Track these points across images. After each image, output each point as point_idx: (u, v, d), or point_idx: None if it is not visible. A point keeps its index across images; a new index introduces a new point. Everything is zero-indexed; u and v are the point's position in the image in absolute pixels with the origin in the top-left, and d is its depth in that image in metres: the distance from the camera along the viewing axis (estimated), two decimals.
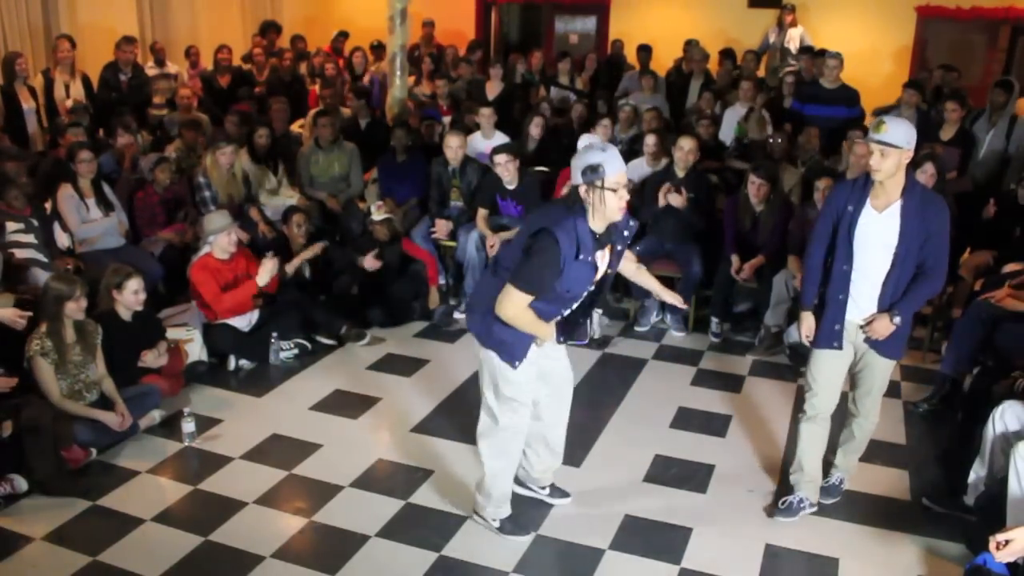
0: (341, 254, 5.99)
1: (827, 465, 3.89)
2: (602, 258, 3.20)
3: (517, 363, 3.31)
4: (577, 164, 3.05)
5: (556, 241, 3.01)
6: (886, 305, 3.45)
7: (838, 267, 3.49)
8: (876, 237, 3.39)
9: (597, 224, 3.11)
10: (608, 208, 3.05)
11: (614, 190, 3.03)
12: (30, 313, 4.26)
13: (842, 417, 3.83)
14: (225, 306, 5.08)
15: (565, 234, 3.03)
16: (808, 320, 3.63)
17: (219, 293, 5.07)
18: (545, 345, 3.36)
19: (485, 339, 3.33)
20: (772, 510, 3.80)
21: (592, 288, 3.28)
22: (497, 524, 3.62)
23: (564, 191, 3.29)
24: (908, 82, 7.34)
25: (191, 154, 6.64)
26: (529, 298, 3.10)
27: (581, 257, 3.07)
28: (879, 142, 3.22)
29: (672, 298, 3.71)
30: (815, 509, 3.78)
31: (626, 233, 3.27)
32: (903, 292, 3.42)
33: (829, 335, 3.54)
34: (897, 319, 3.42)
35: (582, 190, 3.05)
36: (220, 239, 5.09)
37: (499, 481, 3.56)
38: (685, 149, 5.86)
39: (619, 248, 3.29)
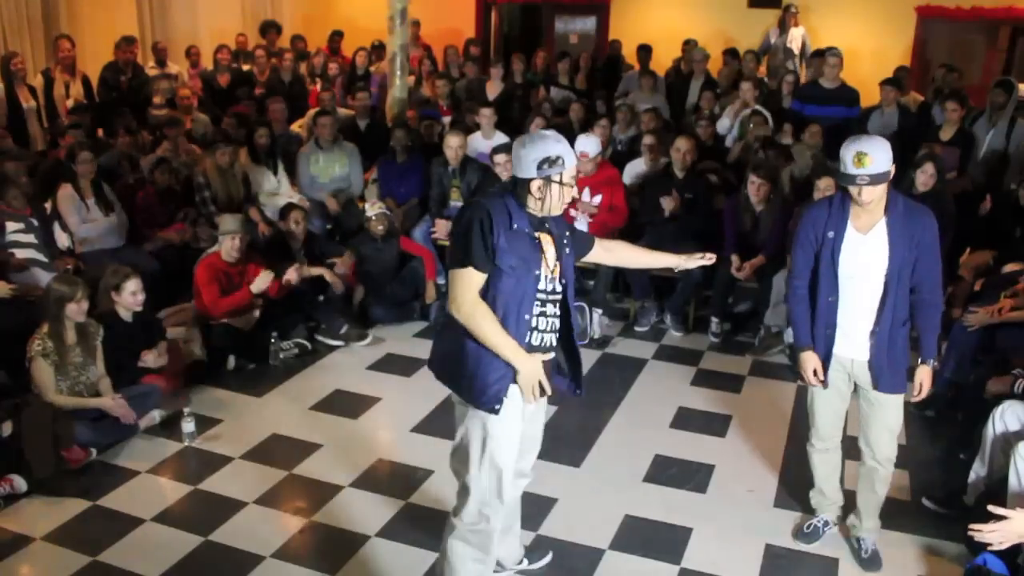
0: (338, 251, 5.99)
1: (851, 527, 3.61)
2: (547, 244, 2.78)
3: (498, 406, 2.74)
4: (529, 154, 2.69)
5: (482, 206, 2.68)
6: (885, 336, 3.15)
7: (823, 299, 3.21)
8: (864, 261, 3.12)
9: (533, 210, 2.77)
10: (557, 203, 2.75)
11: (570, 186, 2.76)
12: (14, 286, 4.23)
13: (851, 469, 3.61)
14: (221, 310, 5.08)
15: (494, 205, 2.69)
16: (811, 360, 3.29)
17: (218, 297, 5.06)
18: (529, 405, 2.84)
19: (453, 378, 2.81)
20: (797, 533, 3.66)
21: (552, 289, 2.81)
22: None
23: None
24: (885, 79, 7.33)
25: (181, 152, 6.63)
26: (476, 277, 2.67)
27: (516, 227, 2.69)
28: (873, 178, 2.94)
29: (688, 260, 3.17)
30: (837, 529, 3.67)
31: (564, 239, 2.88)
32: (909, 325, 3.18)
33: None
34: (933, 362, 3.23)
35: (535, 185, 2.70)
36: (226, 242, 5.10)
37: None
38: (682, 150, 5.87)
39: (566, 245, 2.87)
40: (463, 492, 2.89)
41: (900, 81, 7.69)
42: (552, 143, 2.72)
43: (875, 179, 2.94)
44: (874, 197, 3.00)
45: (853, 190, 2.98)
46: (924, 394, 3.26)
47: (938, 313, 3.19)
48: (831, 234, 3.13)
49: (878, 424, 3.31)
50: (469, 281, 2.68)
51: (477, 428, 2.79)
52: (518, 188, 2.75)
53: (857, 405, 3.38)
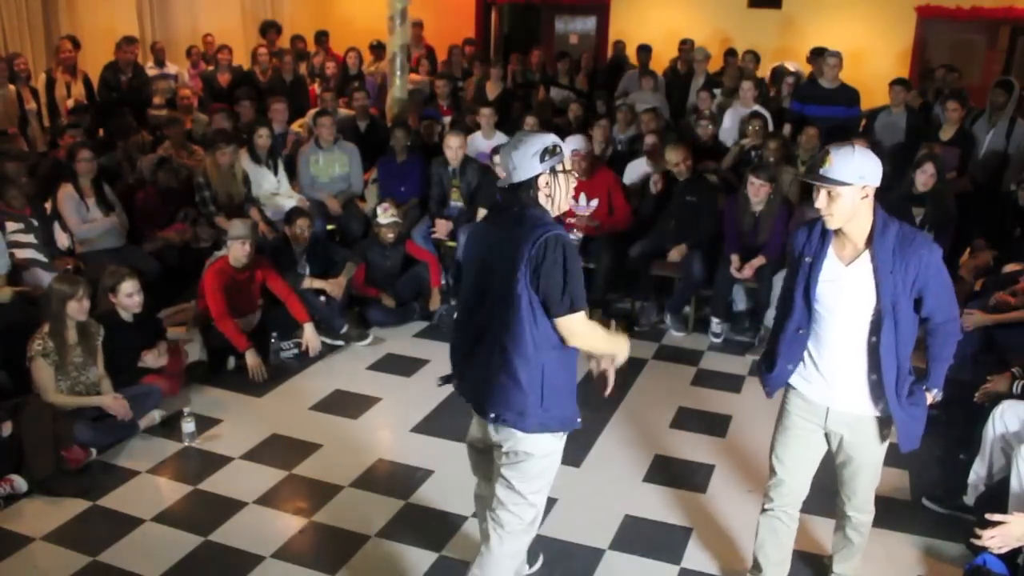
0: (341, 255, 5.99)
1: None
2: None
3: (579, 420, 2.79)
4: (527, 152, 2.60)
5: (565, 238, 2.58)
6: (892, 388, 2.73)
7: (791, 328, 2.84)
8: (847, 296, 2.70)
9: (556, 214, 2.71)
10: (565, 196, 2.67)
11: (573, 173, 2.72)
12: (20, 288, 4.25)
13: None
14: (220, 326, 5.04)
15: (564, 232, 2.62)
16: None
17: (224, 309, 5.02)
18: None
19: (538, 418, 2.66)
20: None
21: None
22: None
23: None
24: (895, 79, 7.33)
25: (181, 151, 6.63)
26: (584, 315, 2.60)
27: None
28: (823, 179, 2.57)
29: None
30: None
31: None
32: (927, 357, 2.80)
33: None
34: (936, 392, 2.85)
35: (543, 181, 2.62)
36: (235, 247, 5.08)
37: None
38: (673, 162, 5.85)
39: None
40: (518, 518, 2.79)
41: (910, 82, 7.67)
42: (543, 136, 2.66)
43: (830, 183, 2.56)
44: (835, 212, 2.60)
45: (814, 195, 2.66)
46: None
47: (952, 341, 2.78)
48: (808, 259, 2.77)
49: (852, 469, 2.97)
50: (584, 318, 2.61)
51: (548, 447, 2.73)
52: (523, 192, 2.64)
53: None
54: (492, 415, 2.70)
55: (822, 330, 2.79)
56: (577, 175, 2.78)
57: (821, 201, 2.62)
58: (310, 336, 5.23)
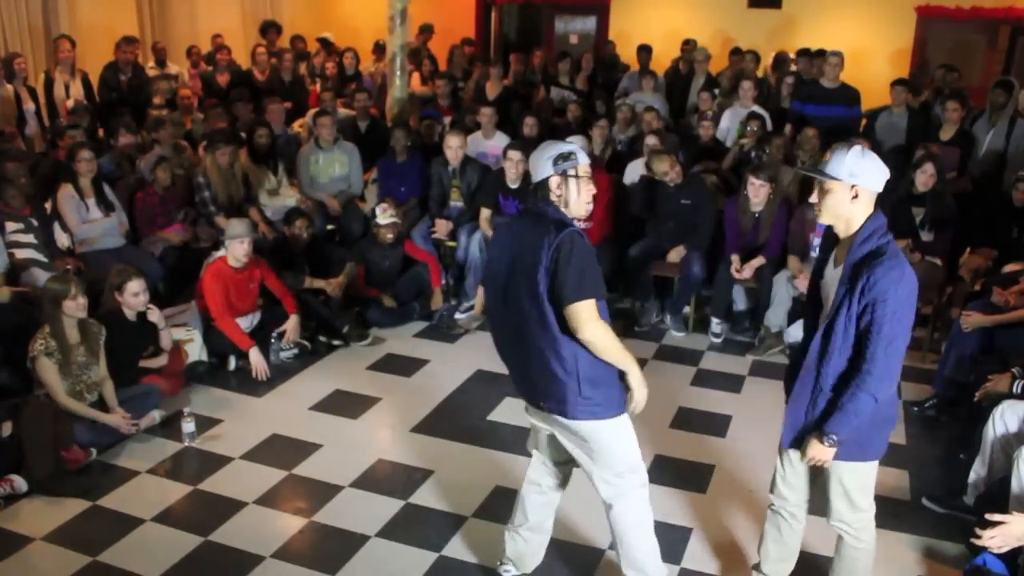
0: (341, 255, 5.99)
1: None
2: None
3: (621, 412, 2.88)
4: (544, 155, 2.80)
5: (579, 235, 2.73)
6: (810, 399, 2.74)
7: (809, 322, 2.89)
8: (831, 298, 2.70)
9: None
10: (578, 200, 2.82)
11: (588, 179, 2.84)
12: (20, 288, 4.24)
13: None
14: (221, 326, 5.06)
15: (578, 232, 2.76)
16: None
17: (224, 308, 5.03)
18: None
19: (573, 404, 2.79)
20: None
21: None
22: None
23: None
24: (897, 80, 7.34)
25: (175, 152, 6.63)
26: (596, 308, 2.73)
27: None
28: (816, 171, 2.65)
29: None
30: None
31: None
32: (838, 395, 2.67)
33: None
34: (831, 442, 2.67)
35: (554, 182, 2.79)
36: (234, 246, 5.07)
37: (653, 552, 3.11)
38: (661, 172, 5.82)
39: None
40: (620, 485, 2.97)
41: (911, 82, 7.66)
42: (562, 143, 2.87)
43: (821, 176, 2.61)
44: (823, 206, 2.64)
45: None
46: (815, 462, 2.78)
47: (861, 396, 2.59)
48: (821, 257, 2.83)
49: (829, 486, 2.88)
50: (592, 310, 2.71)
51: (610, 430, 2.87)
52: (540, 192, 2.82)
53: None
54: (542, 404, 2.87)
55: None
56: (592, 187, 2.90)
57: (814, 194, 2.68)
58: (292, 326, 5.25)
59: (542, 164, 2.80)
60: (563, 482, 3.23)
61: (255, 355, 5.03)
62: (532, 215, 2.84)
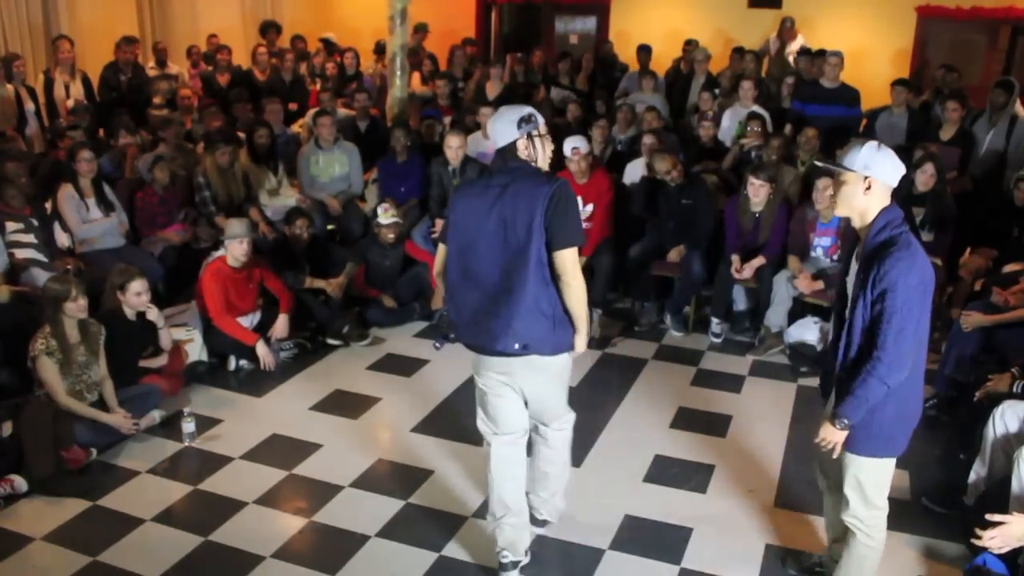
0: (341, 255, 5.99)
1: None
2: None
3: (571, 350, 3.21)
4: (506, 120, 3.04)
5: (568, 186, 3.03)
6: (834, 383, 2.86)
7: (836, 326, 2.97)
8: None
9: None
10: (543, 158, 3.12)
11: (548, 137, 3.14)
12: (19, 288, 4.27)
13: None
14: (221, 325, 5.06)
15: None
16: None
17: (223, 307, 5.04)
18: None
19: (547, 343, 3.09)
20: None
21: None
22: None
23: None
24: (897, 80, 7.34)
25: (178, 152, 6.63)
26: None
27: None
28: (834, 163, 2.77)
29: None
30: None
31: None
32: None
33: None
34: (842, 425, 2.74)
35: (522, 144, 3.04)
36: (233, 246, 5.07)
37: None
38: (663, 171, 5.81)
39: None
40: (564, 420, 3.42)
41: (911, 82, 7.67)
42: (519, 107, 3.12)
43: (836, 167, 2.73)
44: (838, 197, 2.73)
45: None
46: (831, 447, 2.83)
47: (875, 379, 2.64)
48: (841, 252, 3.00)
49: (847, 481, 2.91)
50: (577, 256, 3.03)
51: (560, 369, 3.24)
52: (507, 155, 3.07)
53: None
54: (517, 346, 3.06)
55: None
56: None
57: (830, 186, 2.85)
58: (279, 325, 5.24)
59: (506, 129, 3.04)
60: (524, 457, 3.40)
61: (262, 348, 5.06)
62: (514, 172, 3.05)
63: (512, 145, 3.06)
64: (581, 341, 3.18)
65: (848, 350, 2.75)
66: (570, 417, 3.47)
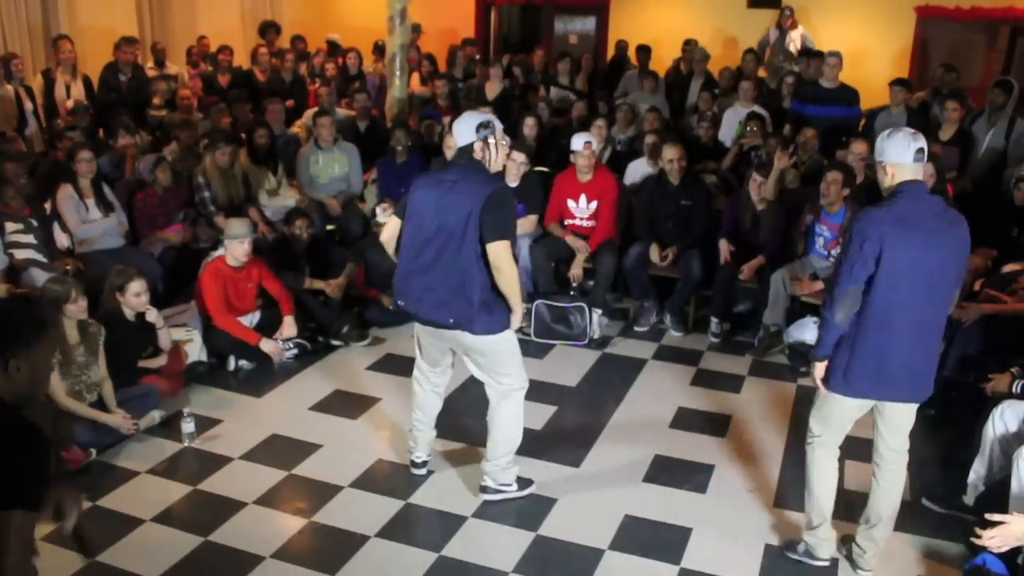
0: (341, 255, 5.99)
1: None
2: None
3: (508, 328, 3.61)
4: (467, 124, 3.46)
5: (508, 188, 3.55)
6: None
7: None
8: None
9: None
10: (497, 160, 3.52)
11: (504, 144, 3.54)
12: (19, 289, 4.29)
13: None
14: (222, 325, 5.06)
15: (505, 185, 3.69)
16: None
17: (222, 307, 5.03)
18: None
19: (476, 322, 3.49)
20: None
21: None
22: (518, 486, 3.88)
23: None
24: (895, 80, 7.36)
25: (188, 155, 6.64)
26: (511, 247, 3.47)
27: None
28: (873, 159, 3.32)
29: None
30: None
31: None
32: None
33: None
34: (812, 357, 3.27)
35: (478, 146, 3.45)
36: (234, 246, 5.06)
37: (517, 441, 3.83)
38: (672, 159, 5.81)
39: None
40: (506, 387, 3.72)
41: (910, 82, 7.68)
42: (481, 113, 3.59)
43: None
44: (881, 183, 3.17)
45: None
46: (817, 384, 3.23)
47: (826, 318, 3.11)
48: None
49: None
50: (507, 249, 3.44)
51: (501, 343, 3.62)
52: (466, 154, 3.48)
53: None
54: (451, 320, 3.51)
55: None
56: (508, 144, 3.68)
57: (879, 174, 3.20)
58: (287, 325, 5.25)
59: (466, 131, 3.46)
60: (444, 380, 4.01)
61: (267, 344, 5.08)
62: (466, 170, 3.48)
63: (469, 146, 3.49)
64: (516, 319, 3.61)
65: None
66: (511, 384, 3.71)
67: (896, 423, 3.24)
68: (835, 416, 3.25)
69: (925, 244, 2.96)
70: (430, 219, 3.49)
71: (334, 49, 10.11)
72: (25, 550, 1.87)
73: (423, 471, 4.05)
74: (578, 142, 5.84)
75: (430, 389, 3.98)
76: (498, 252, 3.42)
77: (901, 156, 3.03)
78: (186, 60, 9.49)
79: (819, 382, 3.21)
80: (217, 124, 7.11)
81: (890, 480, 3.31)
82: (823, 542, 3.41)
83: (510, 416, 3.75)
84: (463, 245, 3.42)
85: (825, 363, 3.16)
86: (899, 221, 2.95)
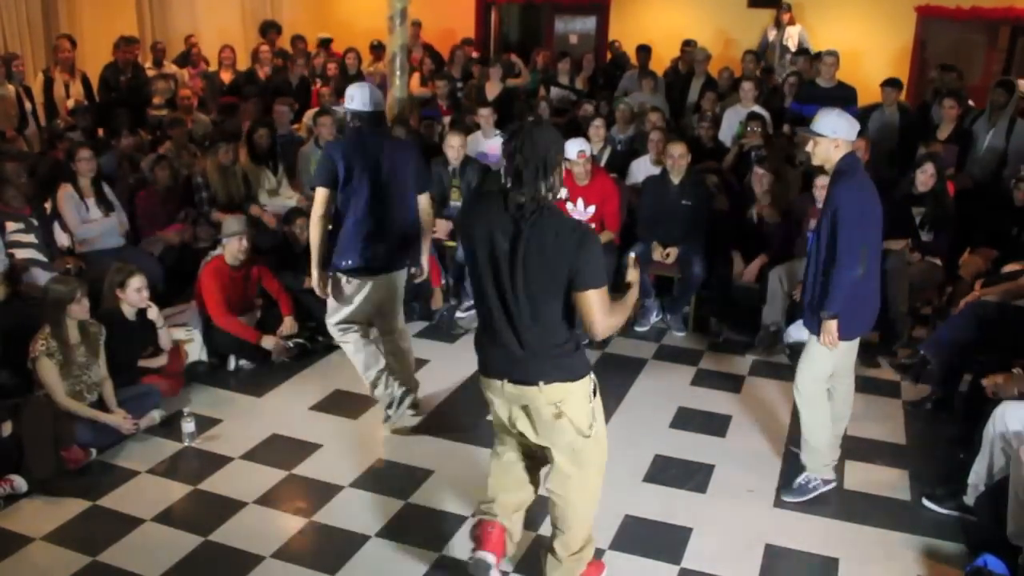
0: None
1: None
2: None
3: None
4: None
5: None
6: (808, 298, 3.73)
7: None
8: None
9: None
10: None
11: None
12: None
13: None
14: (222, 324, 5.05)
15: None
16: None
17: (222, 306, 5.03)
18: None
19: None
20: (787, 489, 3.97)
21: None
22: None
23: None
24: (886, 80, 7.40)
25: (182, 152, 6.63)
26: None
27: None
28: (809, 131, 3.63)
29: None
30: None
31: None
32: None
33: None
34: (829, 315, 3.57)
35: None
36: (231, 244, 5.07)
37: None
38: (676, 156, 5.81)
39: None
40: (394, 324, 4.38)
41: (900, 82, 7.70)
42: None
43: (813, 134, 3.59)
44: (815, 153, 3.61)
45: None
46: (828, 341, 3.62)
47: (838, 276, 3.52)
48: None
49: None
50: (428, 201, 4.30)
51: (399, 284, 4.29)
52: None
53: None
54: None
55: None
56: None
57: (809, 145, 3.65)
58: (287, 325, 5.24)
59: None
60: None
61: (268, 341, 5.08)
62: (397, 140, 4.37)
63: (381, 114, 4.16)
64: (424, 260, 4.33)
65: (816, 270, 3.62)
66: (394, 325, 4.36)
67: (852, 357, 3.89)
68: (838, 363, 3.79)
69: (879, 200, 3.61)
70: (379, 176, 4.06)
71: (325, 47, 10.09)
72: None
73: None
74: (572, 151, 5.69)
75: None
76: (424, 202, 4.24)
77: (852, 135, 3.56)
78: (178, 63, 9.44)
79: (835, 337, 3.59)
80: (238, 124, 7.08)
81: (846, 401, 3.99)
82: (827, 465, 3.92)
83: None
84: (405, 196, 4.18)
85: (836, 320, 3.57)
86: (868, 186, 3.56)
